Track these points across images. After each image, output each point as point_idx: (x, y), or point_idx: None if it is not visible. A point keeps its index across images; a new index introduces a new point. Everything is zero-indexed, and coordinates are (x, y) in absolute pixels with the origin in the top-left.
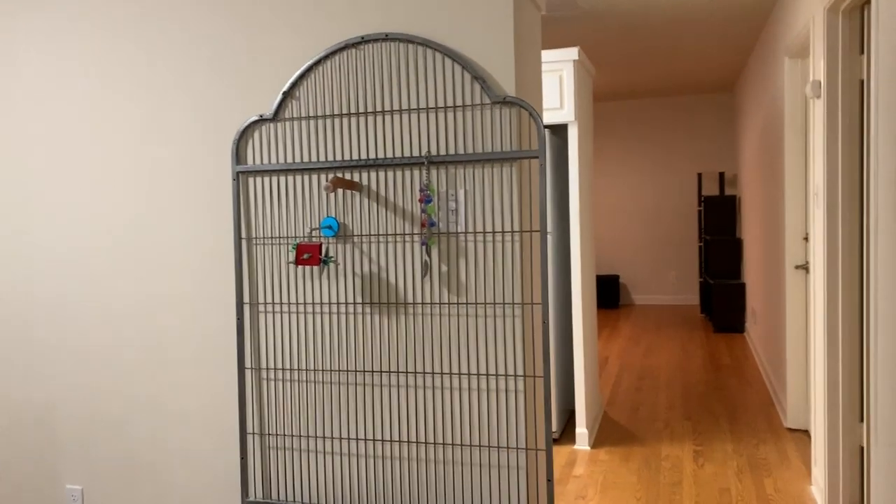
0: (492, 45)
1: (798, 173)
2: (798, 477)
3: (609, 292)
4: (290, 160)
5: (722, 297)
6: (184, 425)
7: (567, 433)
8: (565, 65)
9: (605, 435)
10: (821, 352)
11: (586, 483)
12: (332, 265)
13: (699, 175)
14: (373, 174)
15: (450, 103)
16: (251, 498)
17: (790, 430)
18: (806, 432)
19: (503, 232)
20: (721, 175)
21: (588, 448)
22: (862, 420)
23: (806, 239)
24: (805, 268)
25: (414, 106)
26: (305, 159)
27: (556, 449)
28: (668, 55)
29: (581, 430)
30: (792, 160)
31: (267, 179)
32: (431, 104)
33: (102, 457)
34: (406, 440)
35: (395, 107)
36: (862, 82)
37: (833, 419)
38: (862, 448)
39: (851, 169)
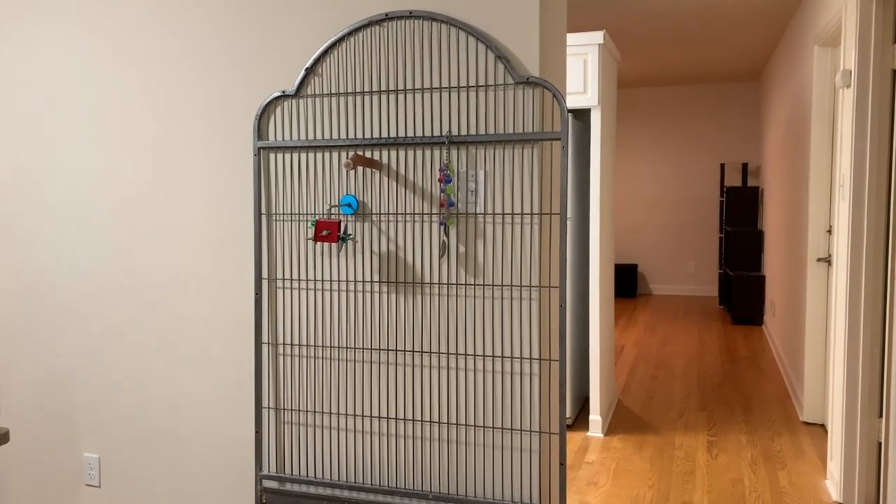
0: (517, 25)
1: (823, 165)
2: (813, 470)
3: (627, 281)
4: (311, 137)
5: (741, 289)
6: (200, 398)
7: (581, 420)
8: (590, 48)
9: (619, 423)
10: (841, 346)
11: (598, 469)
12: (350, 243)
13: (722, 165)
14: (393, 153)
15: (472, 83)
16: (265, 471)
17: (806, 423)
18: (822, 426)
19: (522, 214)
20: (744, 166)
21: (601, 435)
22: (880, 415)
23: (829, 232)
24: (827, 261)
25: (436, 85)
26: (326, 136)
27: (569, 435)
28: (694, 42)
29: (595, 417)
30: (818, 151)
31: (288, 155)
32: (454, 83)
33: (119, 427)
34: (420, 419)
35: (418, 85)
36: (894, 72)
37: (851, 413)
38: (879, 444)
39: (880, 161)
